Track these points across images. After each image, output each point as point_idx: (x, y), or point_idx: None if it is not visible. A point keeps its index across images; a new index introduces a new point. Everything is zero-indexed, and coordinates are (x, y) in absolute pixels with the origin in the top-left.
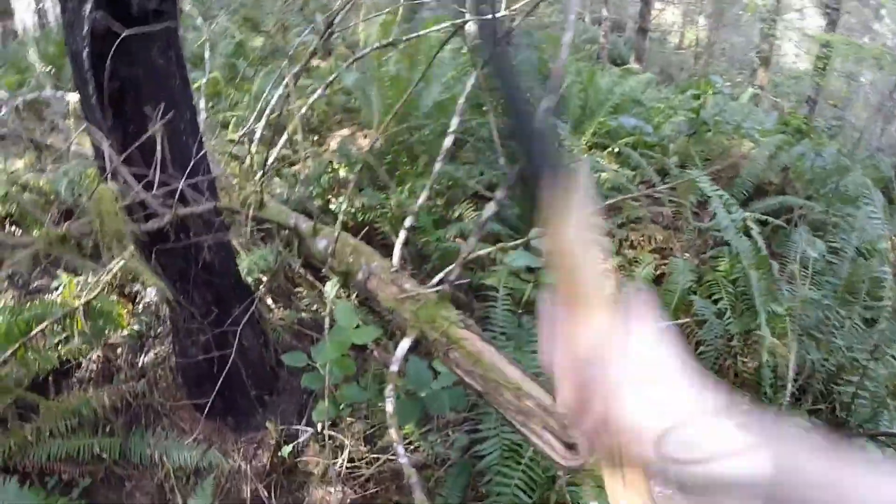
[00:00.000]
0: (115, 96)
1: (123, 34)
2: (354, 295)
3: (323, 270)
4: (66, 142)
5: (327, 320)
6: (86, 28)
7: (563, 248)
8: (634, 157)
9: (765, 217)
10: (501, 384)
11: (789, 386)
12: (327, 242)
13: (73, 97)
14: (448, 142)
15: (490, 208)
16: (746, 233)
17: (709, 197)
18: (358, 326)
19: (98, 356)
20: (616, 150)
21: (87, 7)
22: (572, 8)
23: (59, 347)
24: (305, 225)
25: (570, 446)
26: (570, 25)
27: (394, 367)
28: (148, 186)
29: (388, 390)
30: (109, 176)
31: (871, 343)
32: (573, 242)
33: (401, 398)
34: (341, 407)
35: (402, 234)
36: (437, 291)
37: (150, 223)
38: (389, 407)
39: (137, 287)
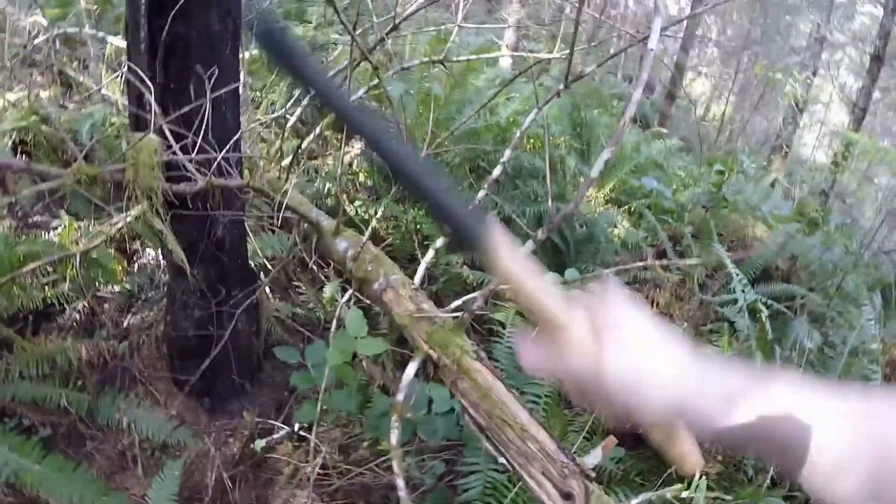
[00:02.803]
0: (164, 50)
1: None
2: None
3: (342, 273)
4: (96, 84)
5: (334, 322)
6: None
7: (511, 284)
8: (650, 218)
9: (769, 301)
10: (508, 423)
11: (771, 470)
12: (348, 245)
13: (113, 41)
14: (497, 172)
15: (528, 245)
16: (751, 314)
17: (726, 271)
18: (364, 337)
19: (84, 306)
20: (633, 209)
21: None
22: (641, 83)
23: (46, 289)
24: (327, 222)
25: (567, 496)
26: (636, 102)
27: (400, 397)
28: (183, 149)
29: (394, 421)
30: (150, 127)
31: None
32: (515, 274)
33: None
34: (324, 410)
35: (430, 254)
36: (455, 317)
37: (182, 185)
38: (394, 438)
39: (136, 246)
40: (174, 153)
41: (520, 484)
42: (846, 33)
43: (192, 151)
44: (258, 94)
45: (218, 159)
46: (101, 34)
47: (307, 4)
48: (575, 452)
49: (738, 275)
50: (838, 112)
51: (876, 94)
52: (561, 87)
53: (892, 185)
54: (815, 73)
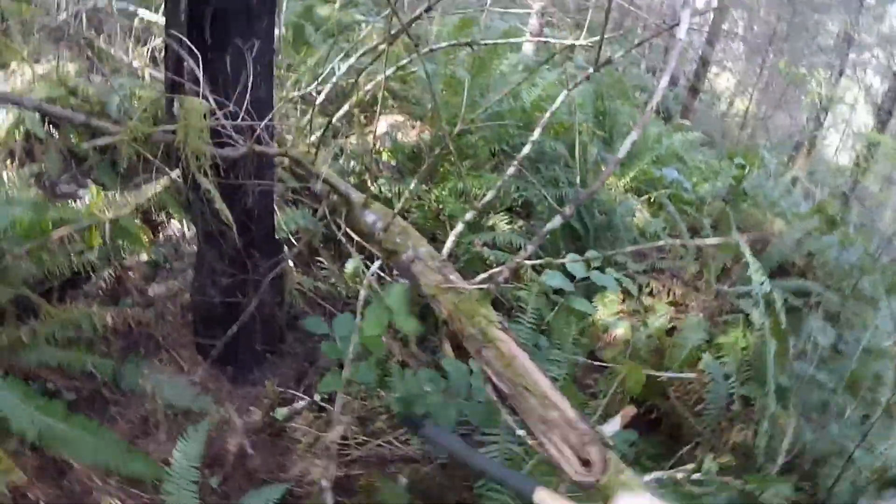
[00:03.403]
0: (203, 20)
1: None
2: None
3: (366, 249)
4: (125, 56)
5: (361, 295)
6: None
7: None
8: (671, 208)
9: (784, 296)
10: (530, 390)
11: (781, 458)
12: (377, 218)
13: (143, 13)
14: (527, 149)
15: (556, 220)
16: (767, 305)
17: (743, 261)
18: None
19: (110, 275)
20: (653, 198)
21: None
22: (668, 72)
23: (73, 257)
24: (356, 195)
25: (586, 462)
26: (662, 90)
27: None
28: (224, 117)
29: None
30: (190, 92)
31: (861, 434)
32: None
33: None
34: (347, 382)
35: (460, 227)
36: (481, 289)
37: (227, 150)
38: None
39: (162, 218)
40: (217, 119)
41: (536, 457)
42: (874, 35)
43: (224, 113)
44: (283, 72)
45: (260, 127)
46: (131, 7)
47: None
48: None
49: (756, 266)
50: (863, 114)
51: None
52: (590, 70)
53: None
54: (841, 74)
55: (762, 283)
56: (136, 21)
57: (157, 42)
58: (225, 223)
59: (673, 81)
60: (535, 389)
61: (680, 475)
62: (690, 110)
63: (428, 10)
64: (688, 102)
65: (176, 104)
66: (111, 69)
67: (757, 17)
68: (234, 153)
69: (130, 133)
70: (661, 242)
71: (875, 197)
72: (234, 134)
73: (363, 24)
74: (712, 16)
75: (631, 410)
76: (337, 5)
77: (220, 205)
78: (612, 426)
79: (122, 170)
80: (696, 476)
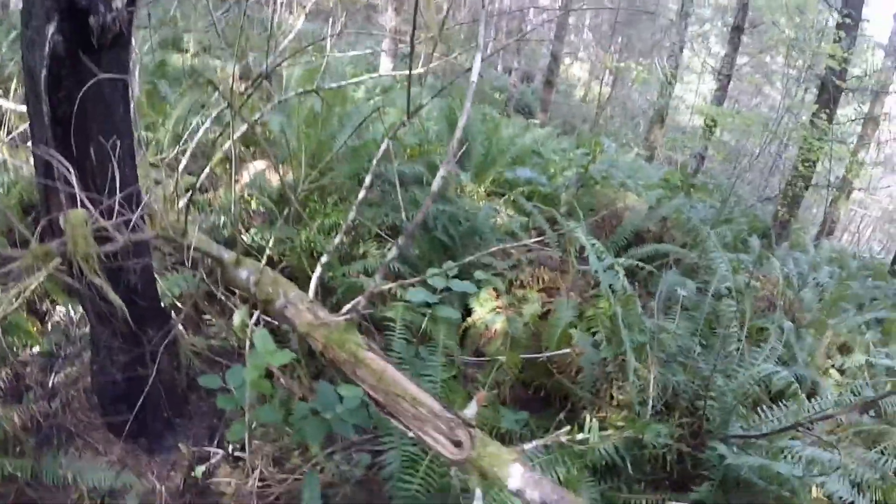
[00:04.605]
0: (64, 118)
1: (82, 58)
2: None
3: (247, 299)
4: None
5: (247, 343)
6: (47, 48)
7: None
8: (527, 206)
9: (638, 262)
10: (400, 395)
11: (650, 402)
12: (248, 273)
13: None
14: (367, 180)
15: (393, 252)
16: (630, 275)
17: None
18: (273, 350)
19: (6, 373)
20: (512, 198)
21: (50, 28)
22: (479, 55)
23: None
24: (228, 255)
25: (457, 444)
26: (476, 72)
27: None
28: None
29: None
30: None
31: (723, 364)
32: None
33: (308, 418)
34: (253, 427)
35: (319, 269)
36: (346, 319)
37: (107, 246)
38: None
39: (46, 306)
40: (96, 221)
41: (431, 454)
42: (708, 9)
43: (99, 211)
44: (142, 132)
45: (135, 218)
46: None
47: (183, 32)
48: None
49: (593, 245)
50: (710, 80)
51: (744, 59)
52: (404, 119)
53: (743, 146)
54: (682, 49)
55: (601, 261)
56: None
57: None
58: (113, 304)
59: (529, 78)
60: (404, 394)
61: (565, 438)
62: (549, 103)
63: (273, 68)
64: (545, 97)
65: (62, 218)
66: None
67: (602, 8)
68: (114, 247)
69: (35, 255)
70: (513, 245)
71: (712, 157)
72: (111, 228)
73: (217, 70)
74: (557, 13)
75: (483, 395)
76: (190, 53)
77: (107, 290)
78: (472, 409)
79: None
80: (580, 436)
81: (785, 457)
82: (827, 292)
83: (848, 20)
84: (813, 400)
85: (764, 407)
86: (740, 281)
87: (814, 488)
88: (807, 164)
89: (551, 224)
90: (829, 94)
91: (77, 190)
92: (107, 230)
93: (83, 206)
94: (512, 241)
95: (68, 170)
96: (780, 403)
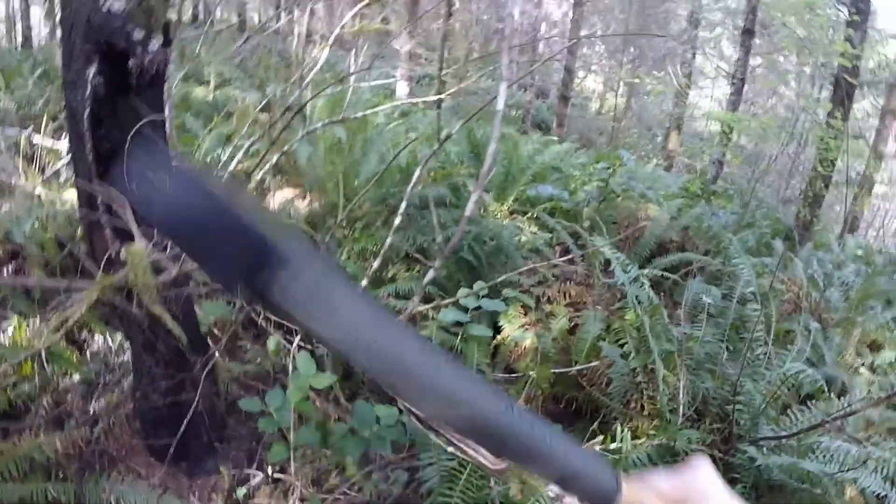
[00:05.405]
0: (106, 155)
1: (124, 99)
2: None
3: (283, 325)
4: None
5: (290, 366)
6: (88, 89)
7: None
8: (550, 222)
9: (662, 273)
10: None
11: (681, 409)
12: None
13: (38, 139)
14: (403, 206)
15: (430, 275)
16: (655, 286)
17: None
18: (315, 373)
19: (48, 401)
20: (535, 215)
21: (91, 70)
22: (505, 76)
23: (8, 391)
24: None
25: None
26: (501, 101)
27: None
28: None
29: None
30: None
31: (749, 368)
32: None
33: (346, 437)
34: (294, 448)
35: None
36: None
37: (162, 276)
38: None
39: (84, 335)
40: (152, 253)
41: (469, 468)
42: (718, 13)
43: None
44: None
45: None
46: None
47: (204, 65)
48: None
49: (618, 258)
50: (724, 84)
51: (757, 60)
52: (435, 148)
53: (762, 149)
54: (694, 55)
55: (627, 273)
56: (24, 142)
57: (59, 165)
58: (160, 331)
59: (544, 94)
60: None
61: (598, 448)
62: (565, 117)
63: (311, 99)
64: (560, 111)
65: (123, 251)
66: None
67: (613, 19)
68: (167, 277)
69: (100, 286)
70: (538, 265)
71: (729, 162)
72: (165, 260)
73: (238, 100)
74: (569, 27)
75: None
76: (212, 86)
77: (166, 318)
78: None
79: (37, 297)
80: (613, 445)
81: (815, 455)
82: (853, 290)
83: (856, 18)
84: (842, 398)
85: (794, 409)
86: (764, 285)
87: (848, 489)
88: (825, 164)
89: (575, 239)
90: (842, 92)
91: (132, 222)
92: (160, 262)
93: (135, 238)
94: (537, 258)
95: (120, 205)
96: (808, 404)
